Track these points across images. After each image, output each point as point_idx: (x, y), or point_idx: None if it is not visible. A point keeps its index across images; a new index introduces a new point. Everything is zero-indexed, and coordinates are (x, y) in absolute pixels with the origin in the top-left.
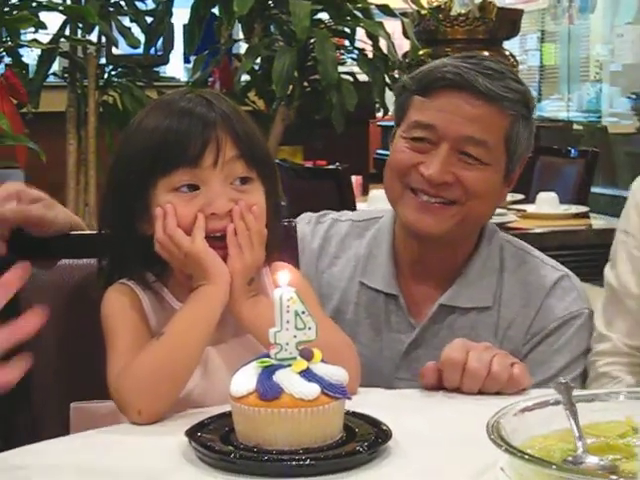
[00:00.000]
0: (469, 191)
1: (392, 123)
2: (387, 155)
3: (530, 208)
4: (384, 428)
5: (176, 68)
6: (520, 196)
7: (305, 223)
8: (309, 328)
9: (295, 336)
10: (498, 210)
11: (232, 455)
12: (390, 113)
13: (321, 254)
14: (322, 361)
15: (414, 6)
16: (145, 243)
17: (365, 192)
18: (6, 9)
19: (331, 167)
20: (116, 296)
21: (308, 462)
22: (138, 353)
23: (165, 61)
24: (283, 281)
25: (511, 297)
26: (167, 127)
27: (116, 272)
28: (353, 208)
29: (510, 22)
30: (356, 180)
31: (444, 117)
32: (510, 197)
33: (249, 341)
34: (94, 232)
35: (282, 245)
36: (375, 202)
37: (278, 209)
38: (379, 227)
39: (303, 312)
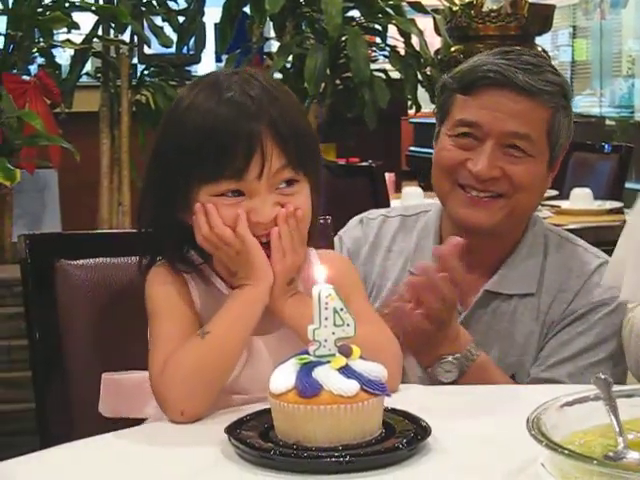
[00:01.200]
0: (516, 184)
1: (424, 120)
2: (420, 152)
3: (564, 204)
4: (423, 424)
5: (207, 67)
6: (554, 192)
7: (353, 227)
8: (347, 325)
9: (334, 333)
10: None
11: (272, 452)
12: (422, 110)
13: (376, 249)
14: (361, 357)
15: (446, 2)
16: (186, 230)
17: (398, 189)
18: (39, 10)
19: (365, 164)
20: (161, 277)
21: (347, 459)
22: (182, 343)
23: (197, 60)
24: (321, 278)
25: (552, 282)
26: (212, 132)
27: (159, 256)
28: (387, 205)
29: (542, 18)
30: (389, 177)
31: (488, 114)
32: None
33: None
34: (130, 230)
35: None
36: (409, 199)
37: (319, 201)
38: (426, 220)
39: (341, 309)
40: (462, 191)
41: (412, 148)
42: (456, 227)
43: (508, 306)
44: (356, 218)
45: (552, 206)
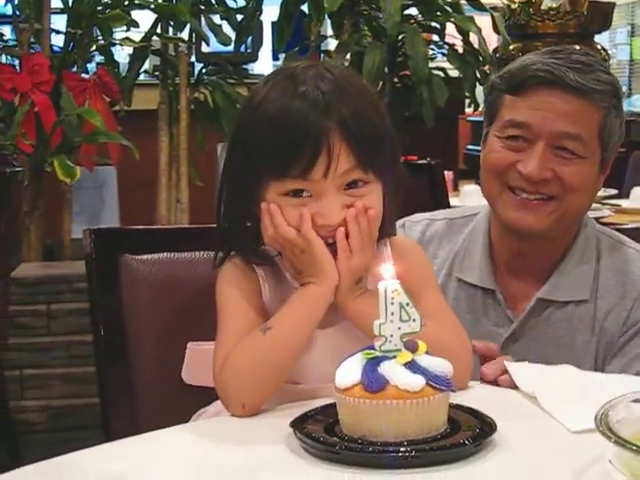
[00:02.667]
0: (567, 186)
1: (482, 118)
2: (477, 151)
3: (624, 203)
4: (489, 421)
5: (265, 65)
6: (613, 191)
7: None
8: (413, 320)
9: (399, 328)
10: (592, 205)
11: (337, 446)
12: (480, 109)
13: None
14: (427, 353)
15: (505, 0)
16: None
17: (456, 188)
18: (99, 8)
19: (424, 162)
20: (232, 272)
21: (413, 454)
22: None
23: (254, 58)
24: (389, 276)
25: (607, 288)
26: (279, 133)
27: (233, 250)
28: (447, 203)
29: (602, 15)
30: (448, 175)
31: (538, 115)
32: (603, 192)
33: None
34: (193, 226)
35: None
36: (467, 197)
37: (396, 201)
38: (475, 224)
39: (407, 304)
40: (512, 194)
41: (469, 146)
42: (505, 231)
43: (563, 314)
44: (399, 222)
45: (612, 205)
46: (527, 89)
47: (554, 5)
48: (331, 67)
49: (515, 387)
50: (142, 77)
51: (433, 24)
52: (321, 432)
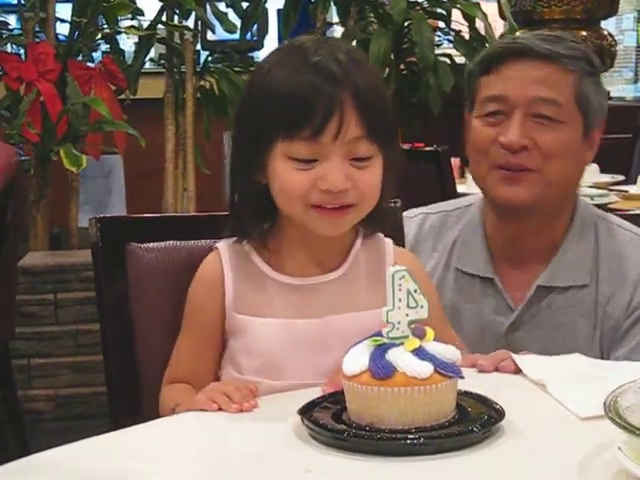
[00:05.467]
0: (548, 153)
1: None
2: None
3: (632, 189)
4: (497, 407)
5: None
6: (621, 177)
7: None
8: (421, 307)
9: (407, 314)
10: (599, 191)
11: (345, 434)
12: None
13: (417, 248)
14: (435, 339)
15: None
16: (257, 194)
17: (462, 175)
18: None
19: (431, 149)
20: (202, 273)
21: (421, 441)
22: (193, 359)
23: (260, 46)
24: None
25: (608, 272)
26: (292, 93)
27: (235, 228)
28: (454, 190)
29: (608, 1)
30: (454, 162)
31: (511, 85)
32: (610, 178)
33: (356, 317)
34: (200, 214)
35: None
36: (474, 184)
37: (391, 181)
38: (470, 215)
39: (415, 290)
40: (498, 171)
41: None
42: (499, 217)
43: (564, 300)
44: None
45: (619, 191)
46: (498, 65)
47: None
48: (341, 44)
49: (517, 372)
50: (148, 65)
51: (439, 10)
52: (329, 419)
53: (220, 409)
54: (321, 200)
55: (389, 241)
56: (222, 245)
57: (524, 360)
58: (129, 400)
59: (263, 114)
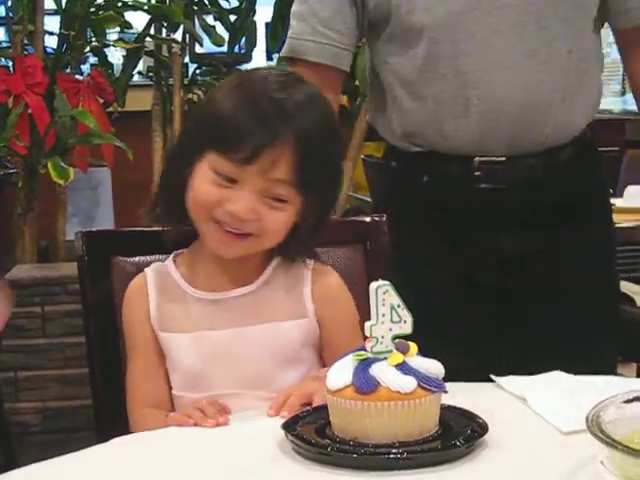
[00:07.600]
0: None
1: None
2: None
3: (618, 202)
4: (480, 421)
5: (258, 66)
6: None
7: None
8: (404, 321)
9: (391, 329)
10: None
11: (329, 448)
12: None
13: None
14: (418, 354)
15: None
16: (178, 186)
17: None
18: (92, 9)
19: None
20: (125, 303)
21: (404, 455)
22: (146, 379)
23: (248, 59)
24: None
25: None
26: (240, 115)
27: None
28: None
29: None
30: None
31: None
32: None
33: (270, 329)
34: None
35: (349, 241)
36: None
37: (321, 223)
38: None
39: (399, 305)
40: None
41: None
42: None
43: None
44: None
45: None
46: None
47: None
48: (304, 81)
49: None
50: (136, 78)
51: None
52: (312, 434)
53: (196, 424)
54: (222, 219)
55: (310, 261)
56: (149, 267)
57: (503, 378)
58: (115, 413)
59: (208, 122)
